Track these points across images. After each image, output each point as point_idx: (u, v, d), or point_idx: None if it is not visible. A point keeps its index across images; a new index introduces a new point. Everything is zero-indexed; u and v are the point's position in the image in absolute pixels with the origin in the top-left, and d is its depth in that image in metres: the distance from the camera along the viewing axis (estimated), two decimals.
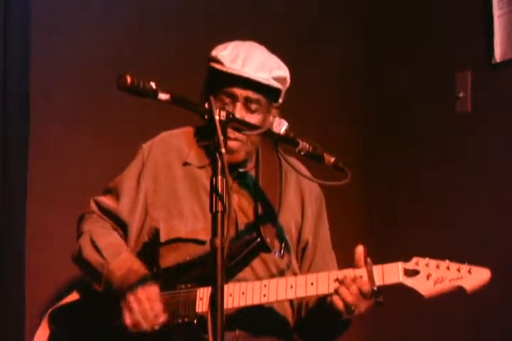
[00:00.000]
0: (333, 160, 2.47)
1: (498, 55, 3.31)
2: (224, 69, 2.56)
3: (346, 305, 2.35)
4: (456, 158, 3.52)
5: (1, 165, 3.36)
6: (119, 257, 2.53)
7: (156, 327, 2.42)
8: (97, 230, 2.64)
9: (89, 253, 2.59)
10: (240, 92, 2.57)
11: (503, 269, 3.01)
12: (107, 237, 2.62)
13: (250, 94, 2.57)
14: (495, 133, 3.35)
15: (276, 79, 2.58)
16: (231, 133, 2.36)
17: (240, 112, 2.55)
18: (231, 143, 2.53)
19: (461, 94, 3.47)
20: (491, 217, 3.34)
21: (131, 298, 2.42)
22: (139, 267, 2.51)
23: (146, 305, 2.40)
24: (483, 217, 3.37)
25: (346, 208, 3.78)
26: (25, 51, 3.37)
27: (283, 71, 2.62)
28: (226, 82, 2.57)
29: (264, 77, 2.56)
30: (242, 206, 2.65)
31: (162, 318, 2.42)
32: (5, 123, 3.38)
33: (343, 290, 2.35)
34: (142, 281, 2.44)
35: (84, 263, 2.59)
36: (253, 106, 2.59)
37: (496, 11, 3.31)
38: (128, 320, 2.42)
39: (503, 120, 3.32)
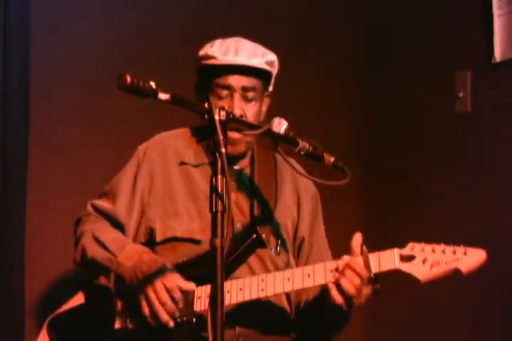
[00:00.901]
0: (332, 159, 2.47)
1: (498, 54, 3.31)
2: (218, 62, 2.59)
3: (347, 297, 2.35)
4: (455, 157, 3.51)
5: (0, 165, 3.36)
6: (125, 249, 2.53)
7: (177, 315, 2.42)
8: (98, 228, 2.64)
9: (94, 250, 2.58)
10: (237, 82, 2.59)
11: (503, 269, 3.02)
12: (110, 233, 2.63)
13: (246, 82, 2.60)
14: (495, 133, 3.35)
15: (268, 63, 2.63)
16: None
17: (239, 103, 2.58)
18: (233, 134, 2.54)
19: (460, 94, 3.47)
20: (491, 217, 3.34)
21: (148, 289, 2.42)
22: (149, 257, 2.51)
23: (165, 296, 2.41)
24: (483, 217, 3.37)
25: (346, 208, 3.79)
26: (25, 51, 3.37)
27: (272, 56, 2.66)
28: (220, 74, 2.60)
29: (258, 62, 2.59)
30: (238, 203, 2.66)
31: (181, 305, 2.41)
32: (5, 123, 3.39)
33: (343, 282, 2.34)
34: (157, 272, 2.44)
35: (89, 262, 2.58)
36: (250, 95, 2.62)
37: (496, 11, 3.31)
38: (146, 310, 2.42)
39: (502, 120, 3.32)
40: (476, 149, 3.42)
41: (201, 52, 2.65)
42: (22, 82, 3.37)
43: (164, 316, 2.42)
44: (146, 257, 2.50)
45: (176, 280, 2.44)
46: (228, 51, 2.59)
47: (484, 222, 3.36)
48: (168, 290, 2.42)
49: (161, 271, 2.44)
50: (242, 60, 2.58)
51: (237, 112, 2.56)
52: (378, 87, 3.93)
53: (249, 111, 2.60)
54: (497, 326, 3.28)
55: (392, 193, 3.82)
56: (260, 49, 2.65)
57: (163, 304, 2.41)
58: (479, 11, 3.37)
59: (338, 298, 2.36)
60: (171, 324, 2.42)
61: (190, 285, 2.44)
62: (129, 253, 2.52)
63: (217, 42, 2.64)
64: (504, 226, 3.27)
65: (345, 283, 2.34)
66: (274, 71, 2.68)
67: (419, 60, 3.72)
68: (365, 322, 3.67)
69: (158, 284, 2.42)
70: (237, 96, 2.59)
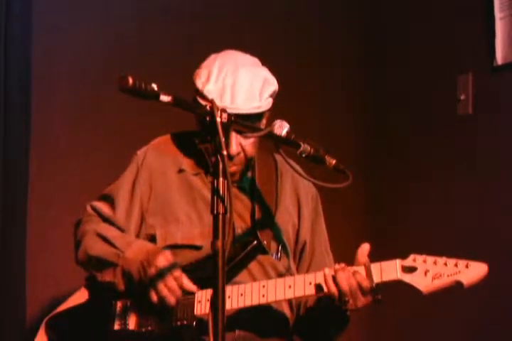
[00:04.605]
0: (334, 162, 2.45)
1: (499, 57, 3.31)
2: None
3: (340, 291, 2.34)
4: (456, 159, 3.52)
5: (1, 165, 3.36)
6: (132, 245, 2.53)
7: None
8: (102, 227, 2.63)
9: (98, 247, 2.57)
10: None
11: (503, 269, 3.02)
12: (114, 231, 2.62)
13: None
14: (496, 135, 3.35)
15: (268, 96, 2.55)
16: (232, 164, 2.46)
17: (236, 139, 2.52)
18: (231, 168, 2.51)
19: (462, 97, 3.47)
20: (491, 217, 3.35)
21: (158, 280, 2.42)
22: (157, 249, 2.50)
23: (172, 283, 2.42)
24: (483, 217, 3.38)
25: (346, 208, 3.79)
26: (26, 52, 3.37)
27: (271, 84, 2.57)
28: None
29: (255, 105, 2.51)
30: (238, 209, 2.64)
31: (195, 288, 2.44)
32: (6, 123, 3.38)
33: (340, 275, 2.34)
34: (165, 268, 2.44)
35: (94, 258, 2.57)
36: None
37: (498, 14, 3.31)
38: (154, 297, 2.43)
39: (504, 122, 3.33)
40: (477, 151, 3.42)
41: (198, 84, 2.52)
42: (23, 82, 3.37)
43: (172, 301, 2.43)
44: (152, 249, 2.50)
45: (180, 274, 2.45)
46: (224, 94, 2.48)
47: (484, 222, 3.37)
48: (176, 279, 2.43)
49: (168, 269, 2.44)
50: (238, 107, 2.47)
51: (234, 149, 2.51)
52: (379, 89, 3.94)
53: (246, 147, 2.54)
54: (496, 328, 3.29)
55: (393, 194, 3.83)
56: (257, 81, 2.53)
57: (171, 290, 2.42)
58: (481, 13, 3.38)
59: (332, 288, 2.35)
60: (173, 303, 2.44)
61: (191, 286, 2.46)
62: (136, 249, 2.52)
63: (214, 75, 2.51)
64: (504, 226, 3.28)
65: (341, 276, 2.34)
66: (273, 97, 2.57)
67: (420, 63, 3.72)
68: (366, 322, 3.67)
69: (167, 275, 2.43)
70: (234, 137, 2.51)
